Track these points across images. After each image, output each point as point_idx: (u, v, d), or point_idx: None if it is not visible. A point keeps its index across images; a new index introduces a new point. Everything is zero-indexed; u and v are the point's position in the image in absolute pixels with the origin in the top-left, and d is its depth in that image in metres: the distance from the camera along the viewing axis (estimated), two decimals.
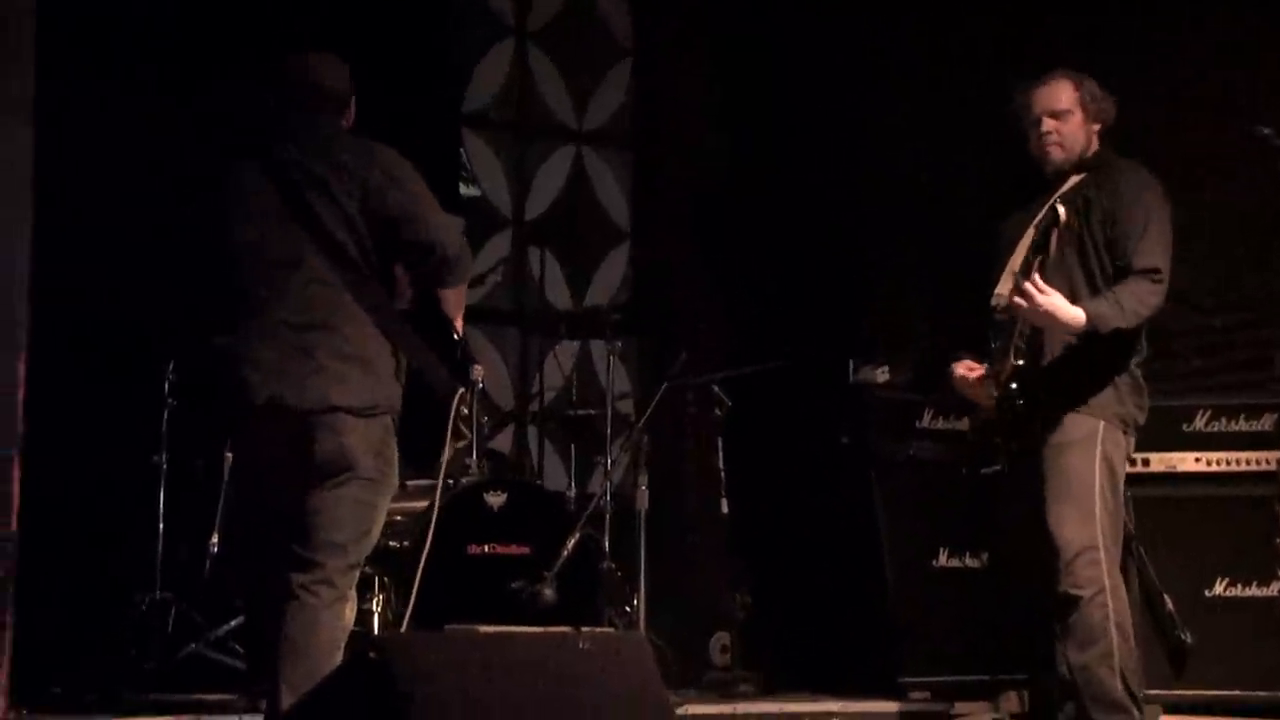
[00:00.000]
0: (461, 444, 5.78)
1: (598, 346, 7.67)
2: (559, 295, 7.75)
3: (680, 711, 5.11)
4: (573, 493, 6.50)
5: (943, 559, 6.02)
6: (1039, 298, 4.59)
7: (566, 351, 7.42)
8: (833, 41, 7.53)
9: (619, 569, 5.95)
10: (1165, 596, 5.52)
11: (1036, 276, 4.61)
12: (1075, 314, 4.63)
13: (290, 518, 4.11)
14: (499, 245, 7.88)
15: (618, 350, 6.25)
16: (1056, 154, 4.86)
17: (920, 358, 6.18)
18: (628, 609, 5.91)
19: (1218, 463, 5.61)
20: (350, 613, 4.19)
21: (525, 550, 5.63)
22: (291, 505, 4.11)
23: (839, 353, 6.41)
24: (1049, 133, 4.85)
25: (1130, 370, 4.83)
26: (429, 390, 4.29)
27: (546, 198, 8.06)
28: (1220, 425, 5.64)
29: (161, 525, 5.78)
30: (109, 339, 5.97)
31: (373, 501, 4.16)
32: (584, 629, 4.01)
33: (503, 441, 7.51)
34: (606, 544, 5.94)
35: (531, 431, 7.68)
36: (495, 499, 5.65)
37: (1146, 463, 5.60)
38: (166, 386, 5.81)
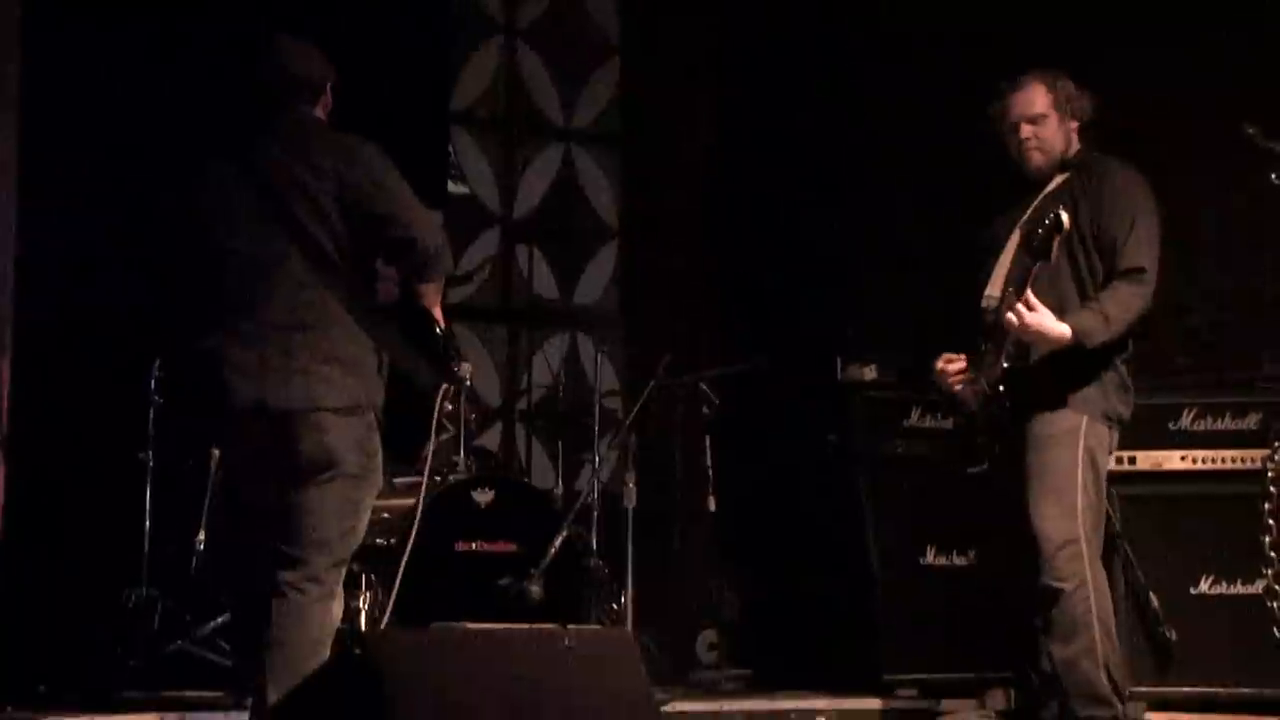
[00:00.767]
0: (445, 437, 5.79)
1: (586, 344, 7.68)
2: (547, 293, 7.75)
3: (667, 709, 5.11)
4: (560, 490, 6.51)
5: (930, 556, 6.02)
6: (1028, 316, 4.61)
7: (555, 349, 7.43)
8: (821, 41, 7.54)
9: (606, 566, 5.95)
10: (1151, 593, 5.53)
11: (1030, 294, 4.62)
12: (1062, 331, 4.65)
13: (276, 516, 4.10)
14: (487, 243, 7.88)
15: (605, 348, 6.25)
16: (1037, 159, 4.87)
17: (907, 356, 6.18)
18: (615, 606, 5.91)
19: (1204, 461, 5.62)
20: (337, 610, 4.18)
21: (512, 547, 5.64)
22: (277, 503, 4.10)
23: (826, 351, 6.42)
24: (1028, 139, 4.85)
25: (1117, 367, 4.84)
26: (414, 386, 4.29)
27: (535, 196, 8.06)
28: (1206, 424, 5.64)
29: (148, 522, 5.77)
30: (95, 336, 5.96)
31: (358, 498, 4.16)
32: (570, 626, 4.01)
33: (490, 439, 7.51)
34: (594, 541, 5.95)
35: (519, 429, 7.68)
36: (483, 496, 5.66)
37: (1133, 460, 5.61)
38: (153, 384, 5.80)
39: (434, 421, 4.30)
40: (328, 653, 4.03)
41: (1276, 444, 5.15)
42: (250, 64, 4.24)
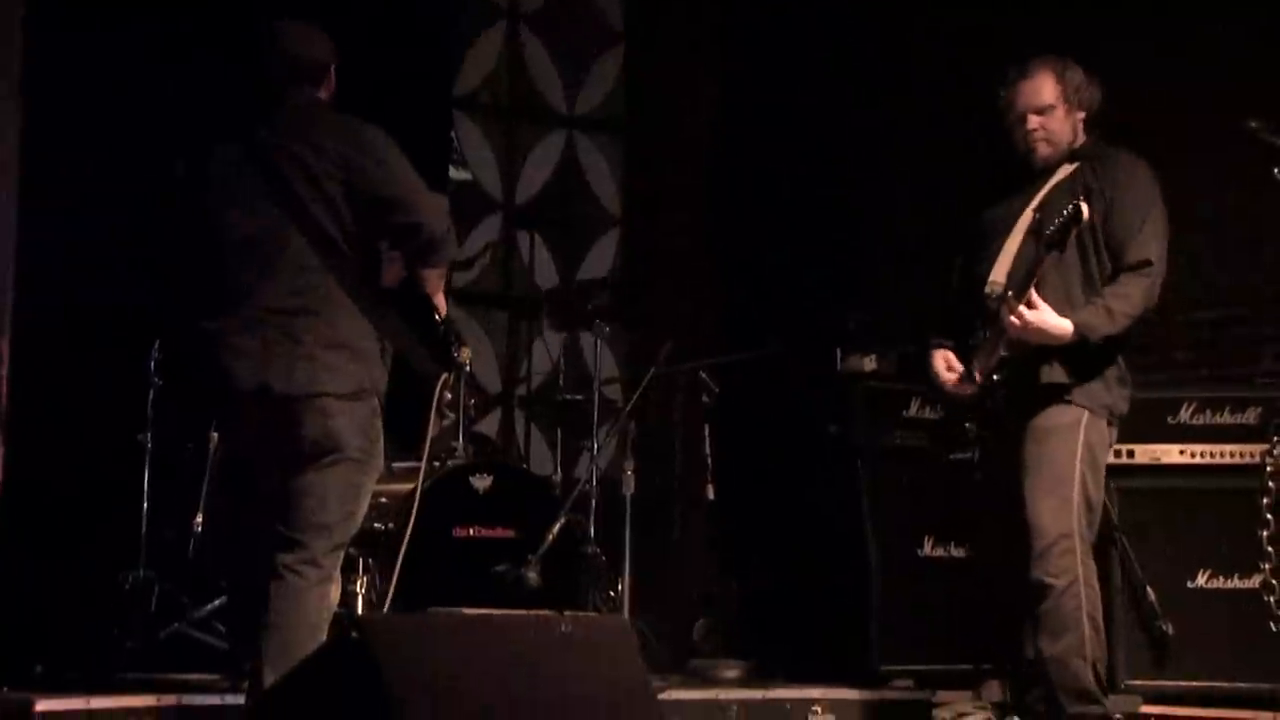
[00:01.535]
0: (447, 423, 5.78)
1: (586, 331, 7.68)
2: (548, 280, 7.74)
3: (663, 697, 5.10)
4: (559, 477, 6.50)
5: (927, 548, 6.03)
6: (1029, 315, 4.61)
7: (555, 336, 7.42)
8: (825, 29, 7.53)
9: (604, 554, 5.95)
10: (1148, 587, 5.53)
11: (1032, 292, 4.61)
12: (1064, 327, 4.64)
13: (276, 499, 4.11)
14: (489, 229, 7.87)
15: (606, 335, 6.24)
16: (1044, 150, 4.83)
17: (906, 347, 6.18)
18: (612, 594, 5.91)
19: (1203, 455, 5.62)
20: (335, 593, 4.19)
21: (510, 533, 5.64)
22: (277, 486, 4.11)
23: (827, 341, 6.41)
24: (1035, 129, 4.81)
25: (1118, 361, 4.83)
26: (415, 372, 4.29)
27: (537, 182, 8.06)
28: (1206, 418, 5.64)
29: (146, 504, 5.76)
30: (94, 317, 5.95)
31: (359, 482, 4.16)
32: (567, 612, 4.01)
33: (489, 425, 7.51)
34: (592, 529, 5.95)
35: (518, 415, 7.68)
36: (481, 482, 5.65)
37: (1131, 454, 5.61)
38: (152, 365, 5.79)
39: (433, 408, 4.30)
40: (325, 636, 4.04)
41: (1275, 439, 5.15)
42: (254, 47, 4.23)
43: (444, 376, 4.31)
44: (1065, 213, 4.52)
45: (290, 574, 4.04)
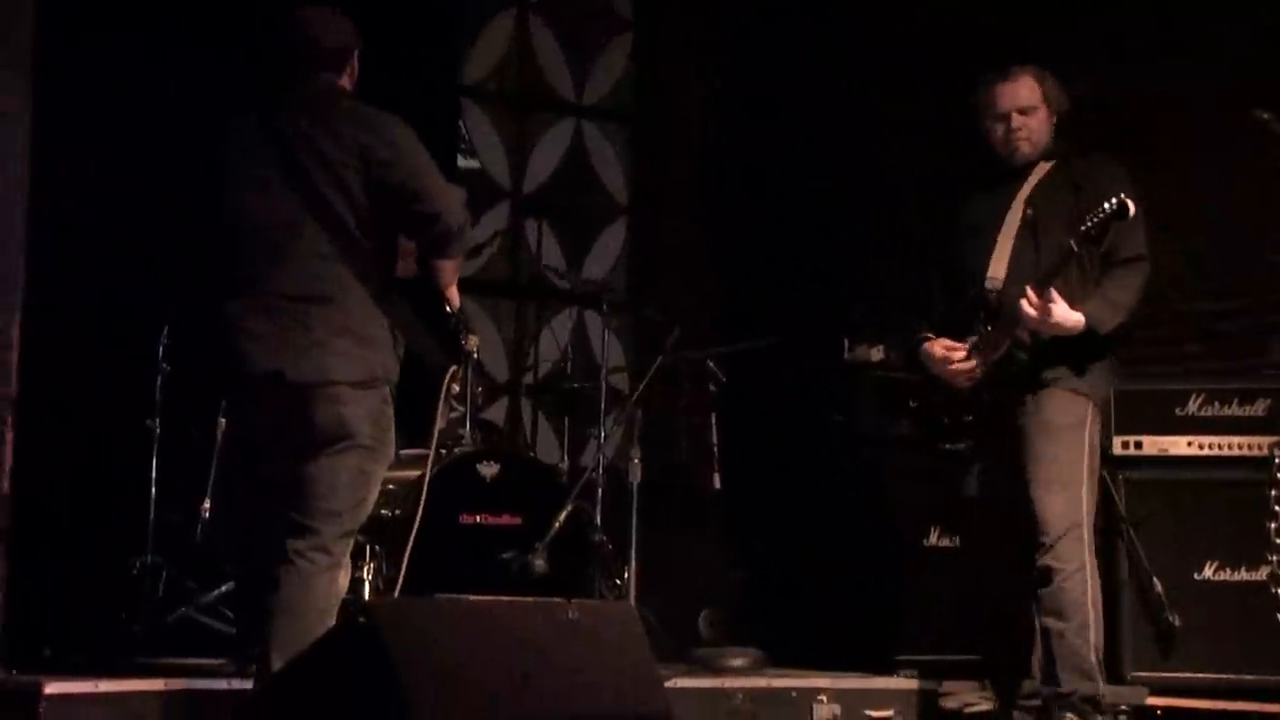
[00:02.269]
0: (455, 414, 5.79)
1: (593, 320, 7.67)
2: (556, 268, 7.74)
3: (669, 685, 5.11)
4: (565, 465, 6.50)
5: (933, 538, 6.02)
6: (1050, 307, 4.68)
7: (562, 324, 7.43)
8: (832, 21, 7.52)
9: (610, 542, 5.95)
10: (1155, 579, 5.53)
11: (1054, 293, 4.69)
12: (1077, 320, 4.74)
13: (285, 485, 4.11)
14: (496, 217, 7.87)
15: (613, 324, 6.25)
16: (1025, 148, 4.95)
17: (911, 337, 6.19)
18: (618, 582, 5.92)
19: (1210, 447, 5.62)
20: (344, 580, 4.20)
21: (517, 521, 5.64)
22: (287, 473, 4.11)
23: (833, 331, 6.41)
24: (1018, 129, 4.93)
25: (1114, 353, 4.94)
26: (424, 362, 4.30)
27: (545, 171, 8.05)
28: (1213, 409, 5.64)
29: (154, 490, 5.77)
30: (104, 302, 5.96)
31: (369, 470, 4.16)
32: (574, 599, 4.01)
33: (496, 413, 7.51)
34: (598, 517, 5.95)
35: (525, 404, 7.68)
36: (488, 469, 5.66)
37: (1139, 445, 5.62)
38: (161, 351, 5.80)
39: (440, 400, 4.31)
40: (333, 622, 4.04)
41: None
42: (274, 31, 4.23)
43: (452, 368, 4.32)
44: (1107, 207, 4.58)
45: (300, 560, 4.04)
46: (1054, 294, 4.69)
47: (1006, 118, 4.93)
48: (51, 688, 4.46)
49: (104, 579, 5.71)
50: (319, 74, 4.21)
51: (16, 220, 4.96)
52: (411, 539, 4.39)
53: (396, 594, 4.60)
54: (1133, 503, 5.60)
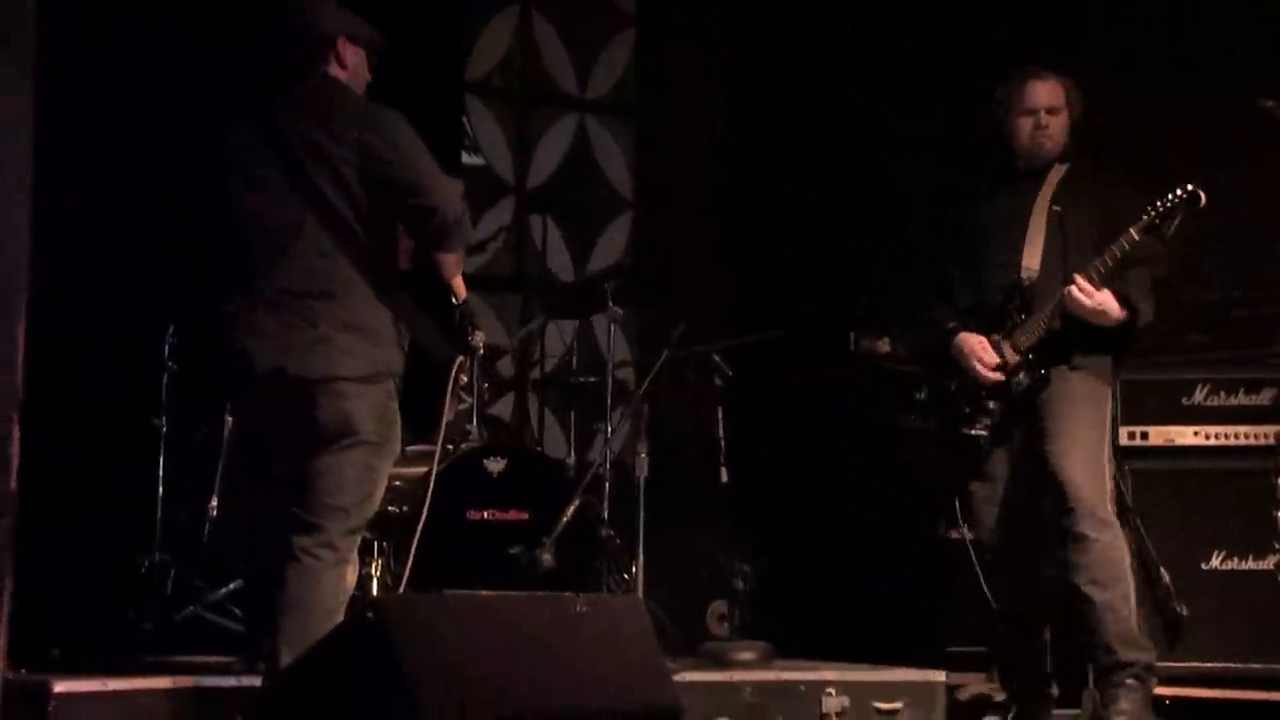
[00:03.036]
0: (463, 407, 5.79)
1: (599, 315, 7.67)
2: (560, 264, 7.74)
3: (677, 679, 5.11)
4: (572, 460, 6.50)
5: (943, 530, 6.02)
6: (1099, 296, 4.83)
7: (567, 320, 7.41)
8: (836, 13, 7.51)
9: (618, 537, 5.95)
10: (1162, 569, 5.53)
11: (1096, 281, 4.82)
12: (1120, 309, 4.89)
13: (291, 481, 4.11)
14: (501, 213, 7.87)
15: (619, 318, 6.24)
16: (1048, 146, 5.08)
17: (937, 328, 6.19)
18: (626, 576, 5.92)
19: (1216, 436, 5.62)
20: (352, 577, 4.20)
21: (524, 516, 5.64)
22: (293, 469, 4.12)
23: (840, 323, 6.41)
24: (1046, 127, 5.05)
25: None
26: (430, 355, 4.30)
27: (549, 166, 8.06)
28: (1220, 399, 5.65)
29: (161, 488, 5.78)
30: (110, 301, 5.96)
31: (375, 465, 4.17)
32: (582, 594, 4.02)
33: (503, 408, 7.51)
34: (605, 511, 5.95)
35: (532, 399, 7.68)
36: (495, 465, 5.66)
37: (1145, 436, 5.62)
38: (167, 350, 5.81)
39: (448, 392, 4.31)
40: (341, 619, 4.05)
41: None
42: (267, 26, 4.23)
43: (459, 360, 4.32)
44: (1175, 197, 4.71)
45: (307, 557, 4.05)
46: (1097, 283, 4.83)
47: (1036, 113, 5.05)
48: (60, 686, 4.46)
49: (112, 578, 5.72)
50: (313, 66, 4.21)
51: (20, 220, 4.96)
52: (418, 535, 4.39)
53: (404, 590, 4.60)
54: (1139, 493, 5.60)
